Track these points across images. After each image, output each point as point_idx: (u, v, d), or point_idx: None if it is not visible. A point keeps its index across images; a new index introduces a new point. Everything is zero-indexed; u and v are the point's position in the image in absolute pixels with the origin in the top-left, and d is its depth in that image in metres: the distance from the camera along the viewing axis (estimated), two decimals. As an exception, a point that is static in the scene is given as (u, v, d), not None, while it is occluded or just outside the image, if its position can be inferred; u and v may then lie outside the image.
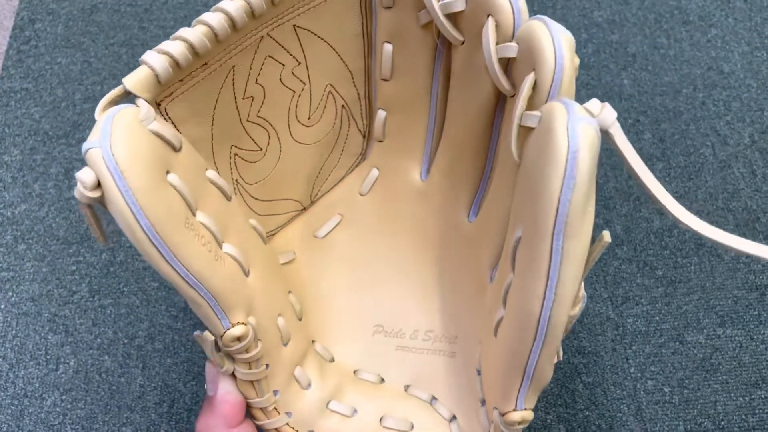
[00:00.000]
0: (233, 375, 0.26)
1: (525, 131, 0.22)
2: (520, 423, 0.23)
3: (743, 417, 0.37)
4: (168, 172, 0.22)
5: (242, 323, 0.24)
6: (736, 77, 0.49)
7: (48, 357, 0.40)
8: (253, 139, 0.29)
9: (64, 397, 0.39)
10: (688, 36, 0.51)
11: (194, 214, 0.23)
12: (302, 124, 0.30)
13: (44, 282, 0.42)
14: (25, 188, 0.45)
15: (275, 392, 0.27)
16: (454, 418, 0.29)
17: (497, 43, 0.24)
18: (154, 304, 0.41)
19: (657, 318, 0.40)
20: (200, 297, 0.23)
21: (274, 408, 0.27)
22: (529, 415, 0.23)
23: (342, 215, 0.35)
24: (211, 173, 0.25)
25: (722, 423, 0.37)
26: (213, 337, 0.24)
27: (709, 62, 0.50)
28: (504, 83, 0.25)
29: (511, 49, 0.23)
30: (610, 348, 0.39)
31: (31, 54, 0.51)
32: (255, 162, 0.30)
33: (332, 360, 0.31)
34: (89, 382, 0.39)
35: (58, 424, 0.38)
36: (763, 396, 0.38)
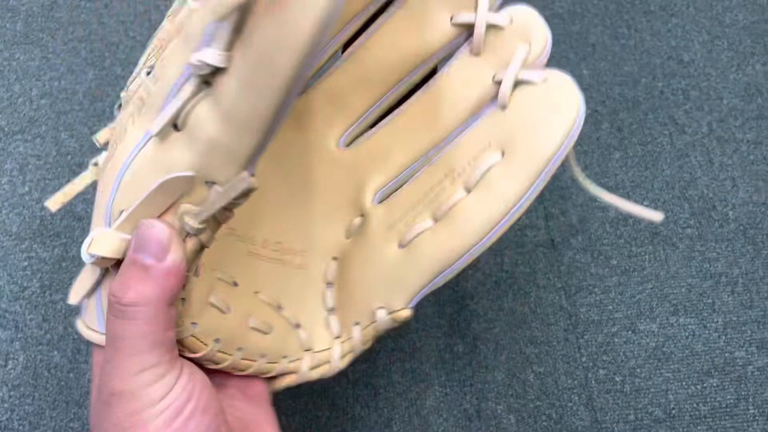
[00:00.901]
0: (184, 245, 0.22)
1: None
2: (405, 319, 0.27)
3: (695, 405, 0.37)
4: None
5: None
6: (696, 66, 0.49)
7: (-3, 353, 0.40)
8: None
9: (12, 393, 0.38)
10: (649, 26, 0.51)
11: None
12: None
13: (-5, 278, 0.42)
14: (-21, 184, 0.45)
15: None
16: (298, 326, 0.30)
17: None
18: (105, 299, 0.41)
19: (610, 307, 0.40)
20: None
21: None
22: (412, 313, 0.27)
23: None
24: None
25: (673, 411, 0.37)
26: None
27: (669, 51, 0.49)
28: (479, 45, 0.27)
29: (504, 19, 0.26)
30: (562, 338, 0.39)
31: (-11, 50, 0.51)
32: None
33: None
34: (38, 378, 0.39)
35: (5, 420, 0.38)
36: (715, 384, 0.37)
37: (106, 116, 0.48)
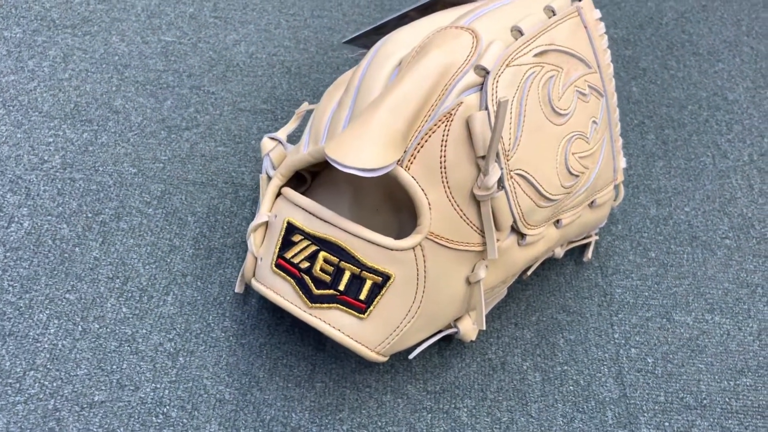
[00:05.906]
0: None
1: None
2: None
3: (726, 400, 0.35)
4: None
5: None
6: (740, 105, 0.50)
7: (1, 214, 0.37)
8: None
9: (8, 254, 0.35)
10: (697, 65, 0.52)
11: None
12: None
13: (15, 146, 0.39)
14: (18, 62, 0.44)
15: None
16: None
17: None
18: (127, 188, 0.39)
19: (646, 293, 0.39)
20: None
21: None
22: None
23: None
24: None
25: (705, 402, 0.35)
26: None
27: (715, 89, 0.51)
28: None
29: None
30: (596, 312, 0.37)
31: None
32: None
33: None
34: (40, 246, 0.36)
35: (-5, 279, 0.34)
36: (748, 383, 0.36)
37: (161, 31, 0.48)
